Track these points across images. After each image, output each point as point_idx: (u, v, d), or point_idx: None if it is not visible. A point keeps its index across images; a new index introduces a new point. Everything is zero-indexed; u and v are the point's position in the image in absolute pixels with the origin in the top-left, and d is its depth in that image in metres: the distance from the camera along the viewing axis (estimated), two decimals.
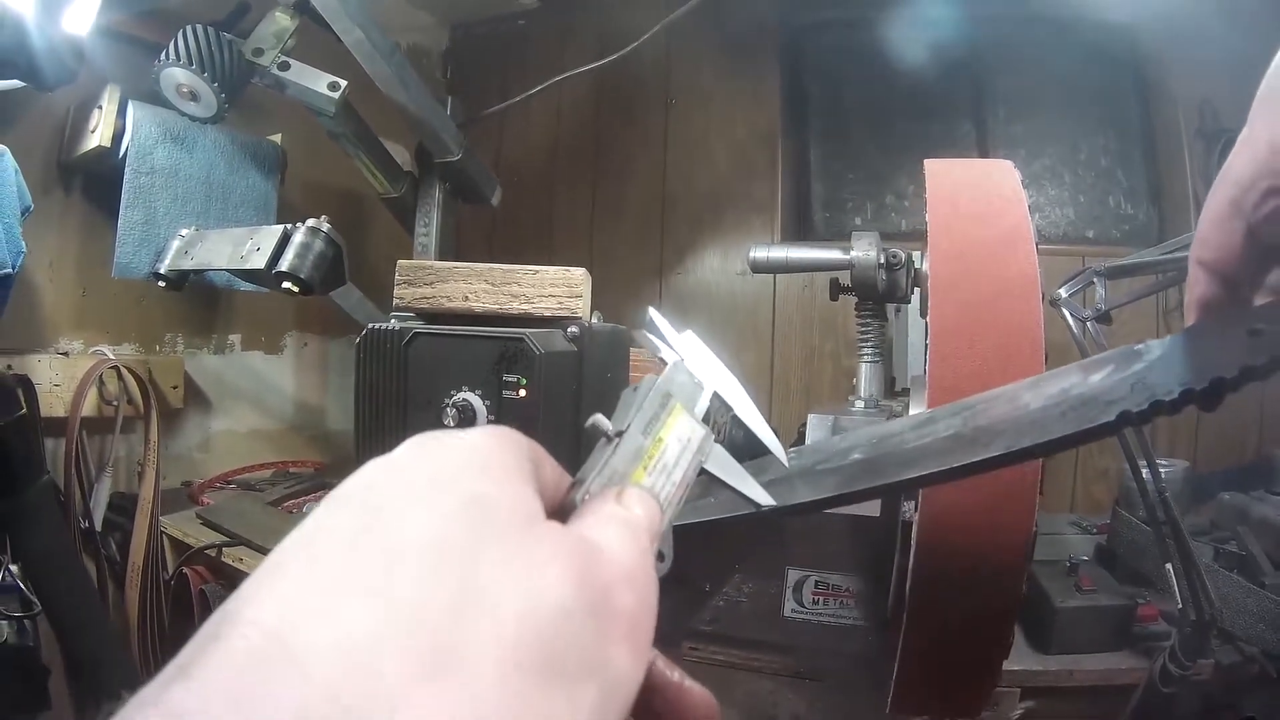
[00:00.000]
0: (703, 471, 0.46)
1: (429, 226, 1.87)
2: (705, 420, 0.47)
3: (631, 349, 1.39)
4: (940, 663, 0.94)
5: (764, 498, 0.49)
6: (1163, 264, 1.49)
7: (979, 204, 0.94)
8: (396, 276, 1.27)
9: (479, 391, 1.15)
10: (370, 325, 1.22)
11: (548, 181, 2.66)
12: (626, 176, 2.63)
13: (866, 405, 1.21)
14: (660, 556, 0.39)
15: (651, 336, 0.52)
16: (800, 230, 2.59)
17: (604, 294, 2.49)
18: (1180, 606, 1.32)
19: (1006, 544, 0.83)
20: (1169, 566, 1.32)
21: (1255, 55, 1.71)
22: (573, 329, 1.19)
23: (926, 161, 1.02)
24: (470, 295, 1.23)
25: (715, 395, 0.50)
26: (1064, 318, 1.40)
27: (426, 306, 1.25)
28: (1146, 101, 2.39)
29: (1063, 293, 1.41)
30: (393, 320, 1.25)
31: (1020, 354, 0.84)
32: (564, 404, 1.17)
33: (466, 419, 1.14)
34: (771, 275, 2.41)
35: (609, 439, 0.42)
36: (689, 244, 2.57)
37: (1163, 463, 1.56)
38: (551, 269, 1.21)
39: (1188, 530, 1.34)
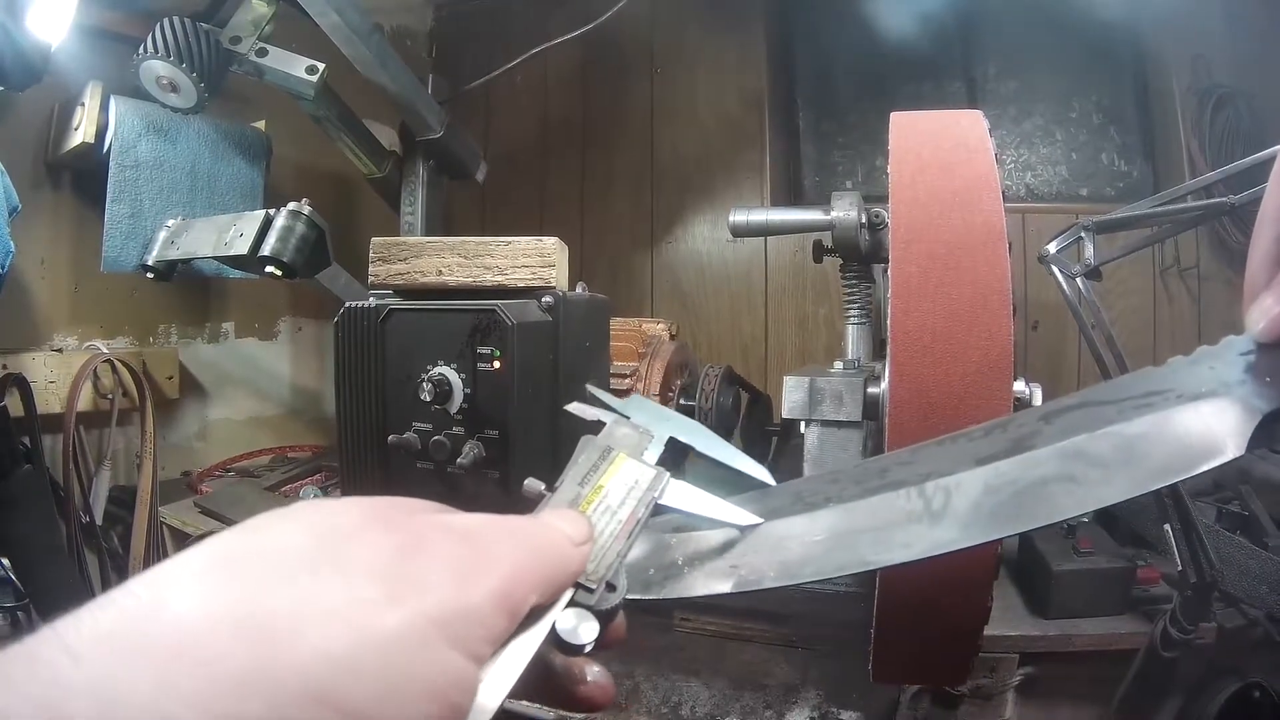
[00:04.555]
0: (659, 509, 0.51)
1: (414, 205, 1.87)
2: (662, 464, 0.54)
3: (612, 319, 1.38)
4: (914, 633, 0.92)
5: (745, 518, 0.53)
6: (1154, 217, 1.46)
7: (943, 152, 0.92)
8: (371, 254, 1.26)
9: (454, 365, 1.15)
10: (347, 304, 1.22)
11: (537, 156, 2.65)
12: (615, 147, 2.62)
13: (846, 367, 1.19)
14: (611, 587, 0.45)
15: (593, 406, 0.60)
16: (791, 195, 2.58)
17: (596, 266, 2.50)
18: (1180, 569, 1.29)
19: None
20: (1167, 527, 1.29)
21: (1247, 10, 1.69)
22: (547, 299, 1.17)
23: (893, 114, 1.00)
24: (444, 269, 1.22)
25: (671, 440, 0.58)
26: (1053, 275, 1.37)
27: (402, 282, 1.24)
28: (1139, 57, 2.35)
29: (1051, 249, 1.38)
30: (370, 298, 1.25)
31: (987, 307, 0.82)
32: (540, 374, 1.16)
33: (442, 393, 1.13)
34: (762, 242, 2.42)
35: (542, 496, 0.50)
36: (679, 212, 2.56)
37: None
38: (524, 239, 1.19)
39: (1189, 491, 1.31)
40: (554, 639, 0.42)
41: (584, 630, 0.43)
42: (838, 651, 1.31)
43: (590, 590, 0.44)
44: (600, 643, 0.43)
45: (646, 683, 1.26)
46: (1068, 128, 2.43)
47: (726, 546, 0.53)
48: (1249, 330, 0.49)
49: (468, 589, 0.36)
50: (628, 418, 0.58)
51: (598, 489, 0.50)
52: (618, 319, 1.45)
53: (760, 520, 0.53)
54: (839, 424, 1.07)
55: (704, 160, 2.53)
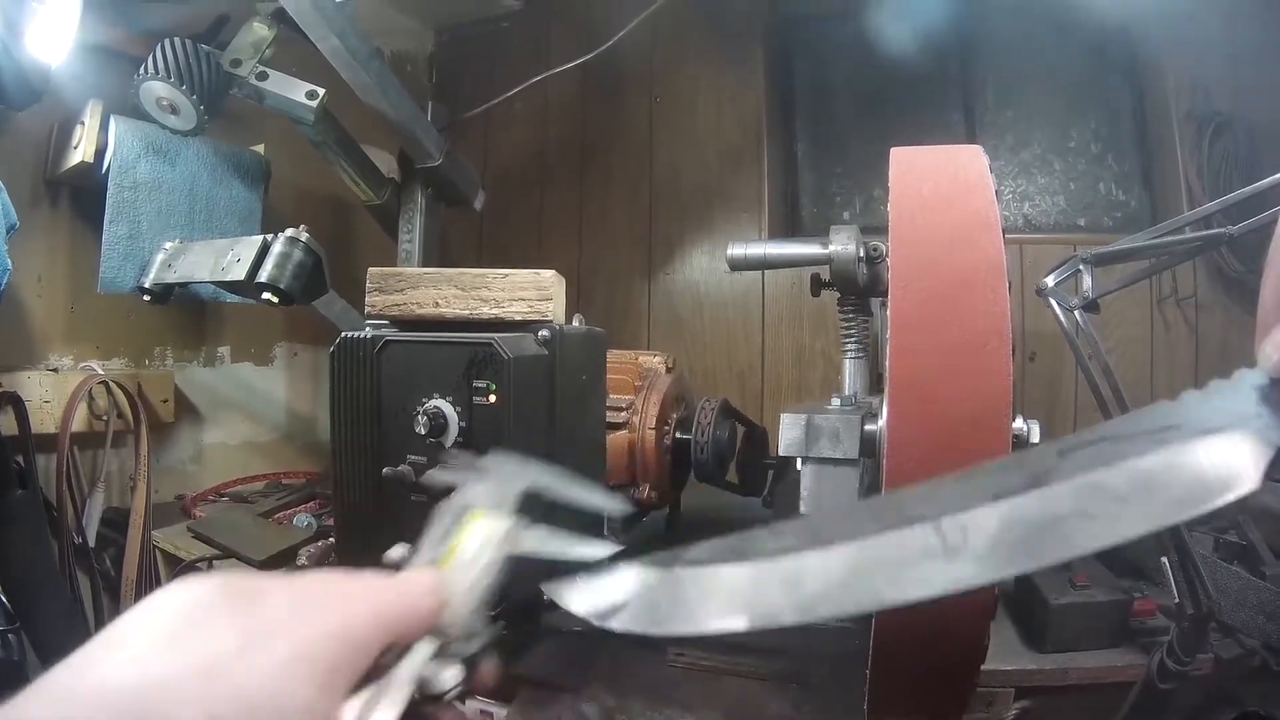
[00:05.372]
0: (521, 558, 0.56)
1: (412, 233, 1.87)
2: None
3: (609, 351, 1.37)
4: (910, 670, 0.91)
5: (598, 551, 0.57)
6: (1152, 249, 1.46)
7: (943, 189, 0.92)
8: (368, 284, 1.25)
9: (450, 398, 1.14)
10: (343, 334, 1.21)
11: (535, 183, 2.65)
12: (613, 175, 2.62)
13: (844, 403, 1.19)
14: (471, 635, 0.50)
15: (447, 473, 0.63)
16: (789, 226, 2.57)
17: (593, 295, 2.50)
18: (1178, 600, 1.27)
19: None
20: (1164, 559, 1.28)
21: (1245, 37, 1.69)
22: (544, 332, 1.17)
23: (893, 150, 1.00)
24: (441, 301, 1.22)
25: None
26: (1051, 308, 1.37)
27: (399, 313, 1.24)
28: (1137, 85, 2.36)
29: (1049, 282, 1.37)
30: (366, 328, 1.24)
31: (986, 346, 0.82)
32: (535, 408, 1.16)
33: (438, 427, 1.13)
34: (760, 273, 2.42)
35: (404, 560, 0.54)
36: (677, 243, 2.56)
37: None
38: (522, 272, 1.19)
39: (1185, 527, 1.30)
40: (419, 686, 0.46)
41: (446, 677, 0.47)
42: (832, 686, 1.30)
43: (450, 639, 0.49)
44: (469, 689, 0.48)
45: (640, 719, 1.25)
46: (1066, 157, 2.44)
47: (742, 582, 0.52)
48: (1261, 364, 0.49)
49: (305, 627, 0.42)
50: (485, 476, 0.61)
51: (453, 547, 0.54)
52: (614, 351, 1.45)
53: (619, 547, 0.56)
54: (836, 462, 1.06)
55: (702, 189, 2.53)
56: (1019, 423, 0.91)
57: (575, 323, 1.27)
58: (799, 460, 1.08)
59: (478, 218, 2.25)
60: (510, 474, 0.62)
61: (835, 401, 1.19)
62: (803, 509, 1.08)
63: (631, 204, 2.60)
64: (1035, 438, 0.92)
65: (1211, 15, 2.05)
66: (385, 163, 1.98)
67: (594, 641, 1.35)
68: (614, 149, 2.62)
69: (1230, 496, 0.45)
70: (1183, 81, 2.19)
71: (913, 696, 0.97)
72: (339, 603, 0.44)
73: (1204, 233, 1.41)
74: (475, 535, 0.55)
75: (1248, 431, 0.47)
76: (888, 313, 0.87)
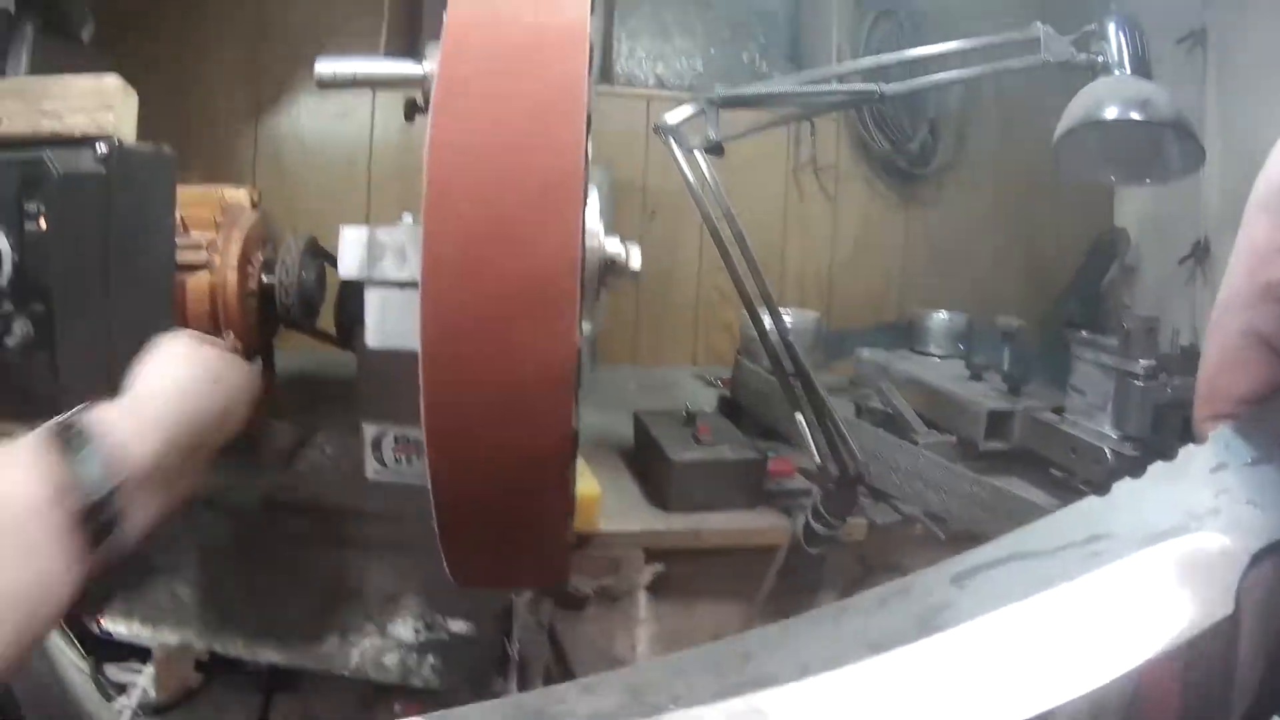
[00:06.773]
0: None
1: (18, 70, 1.69)
2: None
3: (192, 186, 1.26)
4: (480, 527, 0.81)
5: None
6: (787, 96, 1.41)
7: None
8: None
9: (3, 228, 1.02)
10: None
11: (147, 20, 2.29)
12: (226, 12, 2.36)
13: (416, 220, 1.09)
14: None
15: None
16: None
17: (198, 137, 2.27)
18: (819, 461, 1.23)
19: (543, 365, 0.70)
20: (799, 416, 1.23)
21: None
22: (101, 146, 1.05)
23: None
24: (6, 117, 1.10)
25: None
26: (670, 148, 1.27)
27: None
28: None
29: (669, 119, 1.28)
30: None
31: (554, 113, 0.70)
32: (89, 234, 1.04)
33: None
34: (370, 114, 2.30)
35: None
36: (287, 85, 2.36)
37: (789, 312, 1.52)
38: (84, 78, 1.07)
39: (823, 386, 1.24)
40: None
41: None
42: (434, 551, 1.22)
43: None
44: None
45: (238, 602, 1.17)
46: (710, 23, 2.40)
47: None
48: (1213, 438, 0.39)
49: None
50: None
51: None
52: (196, 186, 1.32)
53: None
54: (402, 285, 0.97)
55: (320, 25, 2.34)
56: (615, 243, 0.86)
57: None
58: (365, 286, 0.99)
59: (93, 60, 2.02)
60: None
61: (407, 217, 1.07)
62: (369, 342, 0.98)
63: (242, 43, 2.37)
64: (635, 262, 0.87)
65: None
66: None
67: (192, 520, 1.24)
68: None
69: (1197, 630, 0.34)
70: None
71: (493, 557, 0.87)
72: None
73: (853, 86, 1.39)
74: None
75: (1208, 533, 0.36)
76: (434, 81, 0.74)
